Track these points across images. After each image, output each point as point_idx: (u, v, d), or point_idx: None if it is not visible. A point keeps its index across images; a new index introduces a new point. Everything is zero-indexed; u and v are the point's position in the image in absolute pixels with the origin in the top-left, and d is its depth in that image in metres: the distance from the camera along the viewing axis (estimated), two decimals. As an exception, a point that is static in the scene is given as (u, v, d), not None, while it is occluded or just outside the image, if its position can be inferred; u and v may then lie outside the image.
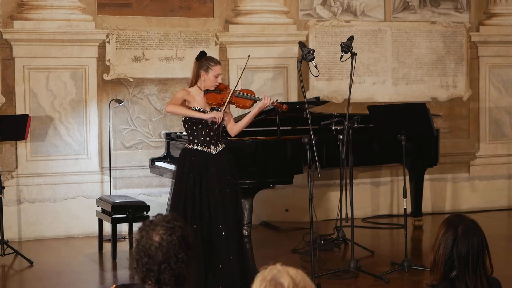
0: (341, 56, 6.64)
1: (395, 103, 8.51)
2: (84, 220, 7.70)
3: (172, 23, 8.03)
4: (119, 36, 7.86)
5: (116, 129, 7.86)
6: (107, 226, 6.98)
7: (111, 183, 7.71)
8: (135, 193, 7.79)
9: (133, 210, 6.77)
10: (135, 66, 7.92)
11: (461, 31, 9.04)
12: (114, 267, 6.54)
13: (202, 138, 5.37)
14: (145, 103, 7.97)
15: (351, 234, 6.22)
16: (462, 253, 2.80)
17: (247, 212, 5.90)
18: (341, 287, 5.81)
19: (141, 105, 7.96)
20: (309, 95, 8.10)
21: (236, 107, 5.72)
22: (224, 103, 5.41)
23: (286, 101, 8.01)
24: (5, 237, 6.84)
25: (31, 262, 6.58)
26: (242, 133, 5.82)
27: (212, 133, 5.39)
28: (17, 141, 7.51)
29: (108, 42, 7.83)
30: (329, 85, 8.57)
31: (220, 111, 5.41)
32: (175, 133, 7.37)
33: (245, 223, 5.73)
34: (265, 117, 6.60)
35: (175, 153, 7.10)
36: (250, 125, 6.20)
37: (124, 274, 6.27)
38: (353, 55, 6.56)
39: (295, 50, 8.31)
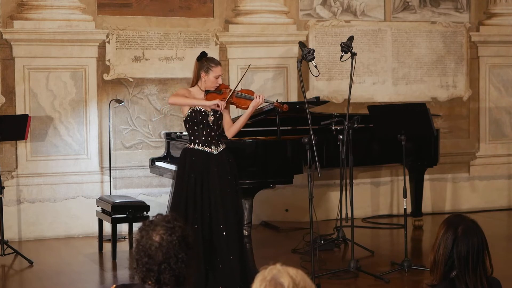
0: (341, 56, 6.64)
1: (395, 103, 8.51)
2: (84, 220, 7.70)
3: (172, 23, 8.03)
4: (119, 36, 7.86)
5: (116, 129, 7.87)
6: (107, 226, 6.98)
7: (111, 183, 7.71)
8: (135, 193, 7.79)
9: (133, 210, 6.77)
10: (135, 66, 7.92)
11: (461, 31, 9.04)
12: (114, 267, 6.54)
13: (203, 138, 5.38)
14: (145, 103, 7.97)
15: (351, 234, 6.22)
16: (462, 253, 2.80)
17: (247, 212, 5.91)
18: (341, 287, 5.81)
19: (141, 105, 7.96)
20: (309, 95, 8.10)
21: (236, 107, 5.72)
22: (219, 110, 5.42)
23: (286, 101, 8.01)
24: (5, 237, 6.84)
25: (31, 262, 6.58)
26: (242, 133, 5.82)
27: (213, 133, 5.39)
28: (17, 141, 7.51)
29: (108, 42, 7.83)
30: (329, 85, 8.57)
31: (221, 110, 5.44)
32: (175, 133, 7.37)
33: (245, 223, 5.73)
34: (265, 117, 6.60)
35: (175, 153, 7.10)
36: (250, 125, 6.21)
37: (124, 274, 6.27)
38: (353, 55, 6.56)
39: (295, 50, 8.31)
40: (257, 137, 6.52)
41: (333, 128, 6.84)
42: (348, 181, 6.51)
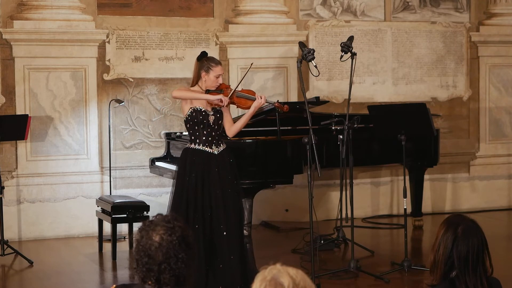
0: (341, 56, 6.64)
1: (395, 103, 8.51)
2: (84, 220, 7.70)
3: (172, 23, 8.03)
4: (119, 36, 7.86)
5: (116, 129, 7.87)
6: (107, 226, 6.98)
7: (111, 183, 7.71)
8: (135, 193, 7.79)
9: (133, 210, 6.77)
10: (135, 66, 7.92)
11: (461, 31, 9.04)
12: (114, 267, 6.54)
13: (204, 138, 5.38)
14: (145, 103, 7.97)
15: (351, 234, 6.22)
16: (462, 253, 2.80)
17: (247, 212, 5.90)
18: (341, 287, 5.81)
19: (141, 105, 7.96)
20: (309, 95, 8.10)
21: (237, 107, 5.72)
22: (222, 106, 5.42)
23: (286, 101, 8.01)
24: (5, 237, 6.84)
25: (31, 262, 6.58)
26: (242, 133, 5.82)
27: (213, 133, 5.39)
28: (17, 141, 7.51)
29: (108, 42, 7.83)
30: (329, 85, 8.57)
31: (221, 110, 5.44)
32: (175, 133, 7.37)
33: (245, 223, 5.73)
34: (265, 117, 6.60)
35: (175, 153, 7.10)
36: (250, 125, 6.21)
37: (124, 274, 6.27)
38: (353, 55, 6.56)
39: (295, 50, 8.31)
40: (257, 137, 6.52)
41: (333, 128, 6.84)
42: (348, 181, 6.51)
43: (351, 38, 6.76)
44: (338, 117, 6.69)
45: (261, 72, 8.31)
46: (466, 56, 9.06)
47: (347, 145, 6.29)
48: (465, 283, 2.80)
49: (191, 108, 5.37)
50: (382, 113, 6.48)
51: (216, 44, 8.17)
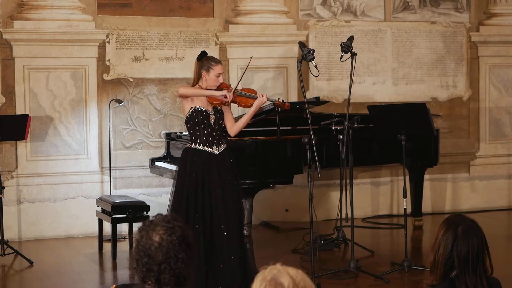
0: (341, 56, 6.64)
1: (395, 103, 8.51)
2: (84, 220, 7.70)
3: (172, 23, 8.03)
4: (119, 36, 7.86)
5: (116, 129, 7.87)
6: (107, 226, 6.98)
7: (111, 183, 7.71)
8: (135, 193, 7.79)
9: (133, 210, 6.77)
10: (135, 66, 7.92)
11: (461, 31, 9.04)
12: (114, 267, 6.54)
13: (204, 138, 5.38)
14: (145, 103, 7.97)
15: (351, 234, 6.22)
16: (462, 253, 2.80)
17: (247, 212, 5.90)
18: (341, 287, 5.81)
19: (141, 105, 7.96)
20: (309, 95, 8.10)
21: (238, 106, 5.73)
22: (226, 102, 5.43)
23: (286, 101, 8.01)
24: (5, 237, 6.84)
25: (31, 262, 6.58)
26: (242, 133, 5.82)
27: (214, 133, 5.40)
28: (17, 141, 7.51)
29: (108, 42, 7.83)
30: (329, 85, 8.57)
31: (222, 110, 5.44)
32: (175, 133, 7.37)
33: (245, 223, 5.73)
34: (265, 117, 6.60)
35: (175, 153, 7.10)
36: (251, 125, 6.21)
37: (124, 274, 6.27)
38: (353, 55, 6.56)
39: (295, 50, 8.31)
40: (257, 137, 6.52)
41: (333, 128, 6.84)
42: (348, 181, 6.51)
43: (351, 38, 6.76)
44: (338, 117, 6.69)
45: (261, 72, 8.31)
46: (466, 56, 9.06)
47: (347, 145, 6.29)
48: (465, 283, 2.80)
49: (191, 108, 5.37)
50: (382, 113, 6.48)
51: (216, 44, 8.17)
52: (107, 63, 7.83)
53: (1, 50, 7.52)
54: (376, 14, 8.74)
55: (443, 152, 8.17)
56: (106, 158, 7.77)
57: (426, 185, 8.39)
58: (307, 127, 5.67)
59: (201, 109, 5.37)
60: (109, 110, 7.73)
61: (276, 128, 6.38)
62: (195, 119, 5.36)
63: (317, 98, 7.00)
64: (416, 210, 7.98)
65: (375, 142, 7.07)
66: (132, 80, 7.91)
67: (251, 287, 2.12)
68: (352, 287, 5.86)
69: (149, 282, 2.55)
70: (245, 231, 5.67)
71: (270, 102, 5.83)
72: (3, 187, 6.88)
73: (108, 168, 7.72)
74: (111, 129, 7.75)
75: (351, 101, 6.75)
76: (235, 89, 5.48)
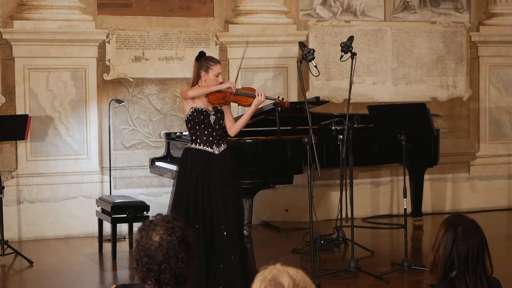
0: (341, 56, 6.64)
1: (395, 103, 8.51)
2: (84, 220, 7.70)
3: (172, 23, 8.03)
4: (119, 36, 7.86)
5: (116, 129, 7.86)
6: (107, 226, 6.98)
7: (111, 183, 7.71)
8: (135, 193, 7.79)
9: (133, 210, 6.77)
10: (135, 66, 7.92)
11: (461, 31, 9.04)
12: (114, 267, 6.54)
13: (204, 138, 5.38)
14: (145, 103, 7.97)
15: (351, 234, 6.22)
16: (462, 253, 2.80)
17: (247, 212, 5.90)
18: (341, 287, 5.81)
19: (141, 105, 7.96)
20: (309, 95, 8.10)
21: (238, 105, 5.72)
22: (227, 101, 5.44)
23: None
24: (5, 237, 6.84)
25: (31, 262, 6.58)
26: (242, 133, 5.82)
27: (214, 133, 5.40)
28: (17, 141, 7.51)
29: (108, 42, 7.83)
30: (329, 85, 8.57)
31: (222, 110, 5.45)
32: (175, 133, 7.37)
33: (245, 223, 5.73)
34: (265, 117, 6.60)
35: (175, 153, 7.10)
36: (251, 125, 6.21)
37: (124, 274, 6.27)
38: (353, 55, 6.55)
39: (295, 50, 8.31)
40: (257, 137, 6.52)
41: (333, 128, 6.84)
42: (348, 181, 6.51)
43: (351, 38, 6.76)
44: (338, 117, 6.69)
45: (261, 72, 8.31)
46: (466, 56, 9.06)
47: (347, 145, 6.29)
48: (465, 283, 2.80)
49: (192, 108, 5.37)
50: (382, 113, 6.48)
51: (216, 44, 8.17)
52: (107, 63, 7.83)
53: (1, 50, 7.52)
54: (376, 14, 8.74)
55: (443, 152, 8.17)
56: (106, 158, 7.77)
57: (426, 185, 8.39)
58: (307, 127, 5.67)
59: (202, 109, 5.37)
60: (109, 110, 7.73)
61: (276, 128, 6.38)
62: (196, 119, 5.37)
63: (317, 98, 7.00)
64: (416, 210, 7.98)
65: (375, 142, 7.07)
66: (132, 80, 7.91)
67: (251, 287, 2.12)
68: (352, 287, 5.86)
69: (149, 282, 2.55)
70: (245, 231, 5.67)
71: (270, 102, 5.83)
72: (3, 187, 6.88)
73: (108, 168, 7.72)
74: (111, 129, 7.75)
75: (351, 101, 6.75)
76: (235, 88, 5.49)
